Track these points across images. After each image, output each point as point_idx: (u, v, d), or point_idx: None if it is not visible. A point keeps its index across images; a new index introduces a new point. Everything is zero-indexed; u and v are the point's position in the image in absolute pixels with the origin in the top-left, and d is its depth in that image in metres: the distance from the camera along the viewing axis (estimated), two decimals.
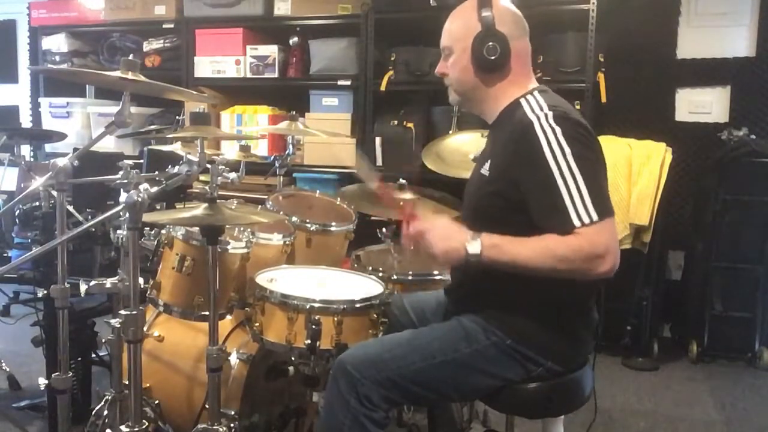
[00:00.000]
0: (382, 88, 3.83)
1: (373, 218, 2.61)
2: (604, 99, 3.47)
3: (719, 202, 3.48)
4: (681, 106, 3.92)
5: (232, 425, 1.96)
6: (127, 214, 1.60)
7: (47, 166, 1.68)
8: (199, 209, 1.78)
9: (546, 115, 1.49)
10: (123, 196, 1.61)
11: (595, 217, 1.40)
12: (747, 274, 3.49)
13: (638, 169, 3.38)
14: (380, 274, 2.09)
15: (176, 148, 2.65)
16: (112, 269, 2.06)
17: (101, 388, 2.45)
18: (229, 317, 2.07)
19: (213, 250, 1.78)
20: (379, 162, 3.87)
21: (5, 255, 3.94)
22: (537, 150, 1.46)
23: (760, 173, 3.42)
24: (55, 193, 1.77)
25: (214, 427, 1.82)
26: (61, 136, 3.14)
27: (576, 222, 1.40)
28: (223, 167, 1.93)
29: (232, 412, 2.01)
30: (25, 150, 4.09)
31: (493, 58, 1.59)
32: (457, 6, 1.69)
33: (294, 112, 2.94)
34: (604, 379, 3.25)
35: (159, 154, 2.50)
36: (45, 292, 2.25)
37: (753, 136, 3.51)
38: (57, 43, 4.58)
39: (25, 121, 5.05)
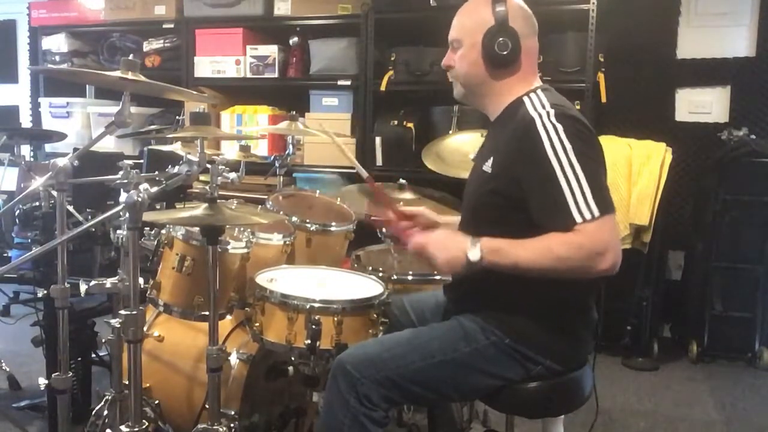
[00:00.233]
0: (382, 88, 3.82)
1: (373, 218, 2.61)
2: (604, 99, 3.47)
3: (719, 202, 3.48)
4: (681, 106, 3.92)
5: (232, 425, 1.96)
6: (127, 214, 1.59)
7: (47, 166, 1.68)
8: (199, 209, 1.78)
9: (548, 113, 1.50)
10: (123, 196, 1.60)
11: (596, 212, 1.41)
12: (747, 274, 3.49)
13: (638, 169, 3.38)
14: (380, 274, 2.08)
15: (176, 148, 2.66)
16: (112, 269, 2.06)
17: (101, 388, 2.45)
18: (229, 317, 2.07)
19: (213, 250, 1.78)
20: (379, 162, 3.87)
21: (5, 255, 3.93)
22: (538, 147, 1.46)
23: (760, 173, 3.42)
24: (55, 193, 1.77)
25: (214, 427, 1.81)
26: (61, 136, 3.14)
27: (577, 218, 1.41)
28: (223, 167, 1.92)
29: (232, 412, 2.01)
30: (25, 150, 4.09)
31: (504, 53, 1.59)
32: (460, 5, 1.69)
33: (294, 112, 2.94)
34: (604, 379, 3.25)
35: (159, 154, 2.51)
36: (45, 292, 2.25)
37: (753, 136, 3.52)
38: (57, 43, 4.58)
39: (25, 121, 5.05)
